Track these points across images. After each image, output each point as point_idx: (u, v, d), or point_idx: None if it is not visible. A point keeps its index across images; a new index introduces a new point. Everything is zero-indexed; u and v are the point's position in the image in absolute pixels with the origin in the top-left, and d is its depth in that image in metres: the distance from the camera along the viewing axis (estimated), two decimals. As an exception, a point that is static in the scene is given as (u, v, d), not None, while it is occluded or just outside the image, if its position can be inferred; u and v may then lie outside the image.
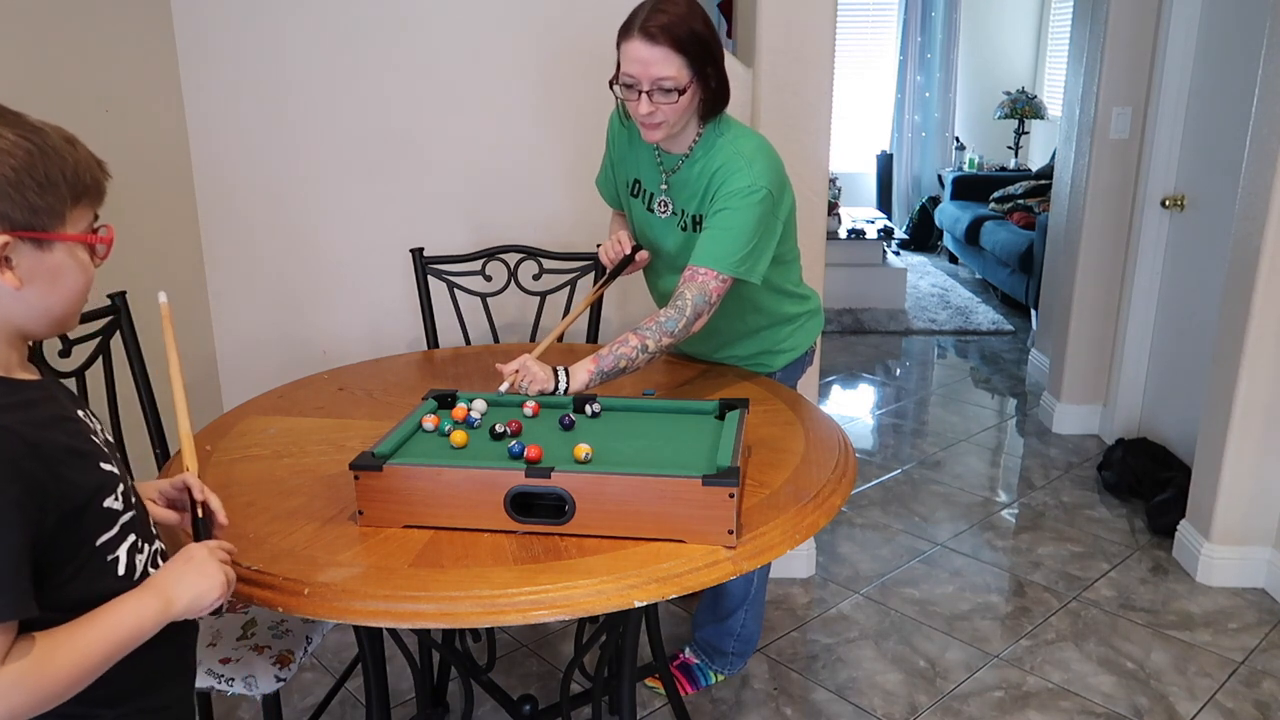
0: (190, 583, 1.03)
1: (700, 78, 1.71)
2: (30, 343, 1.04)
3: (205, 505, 1.16)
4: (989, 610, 2.62)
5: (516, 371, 1.66)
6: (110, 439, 1.09)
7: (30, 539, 0.89)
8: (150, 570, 1.06)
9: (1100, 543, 2.98)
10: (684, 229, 1.87)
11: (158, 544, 1.11)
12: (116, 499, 1.01)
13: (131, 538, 1.03)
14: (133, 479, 1.11)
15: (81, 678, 0.94)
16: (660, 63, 1.66)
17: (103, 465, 1.01)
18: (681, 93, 1.69)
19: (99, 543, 0.99)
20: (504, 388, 1.67)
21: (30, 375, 1.00)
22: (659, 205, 1.90)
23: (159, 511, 1.20)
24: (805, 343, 2.09)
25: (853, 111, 7.38)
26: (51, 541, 0.92)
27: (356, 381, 2.02)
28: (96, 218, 1.00)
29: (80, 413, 1.05)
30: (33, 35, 2.02)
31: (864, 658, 2.42)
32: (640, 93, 1.69)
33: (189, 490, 1.17)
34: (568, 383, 1.67)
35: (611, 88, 1.76)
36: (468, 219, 2.73)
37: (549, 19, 2.60)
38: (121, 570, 1.01)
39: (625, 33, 1.70)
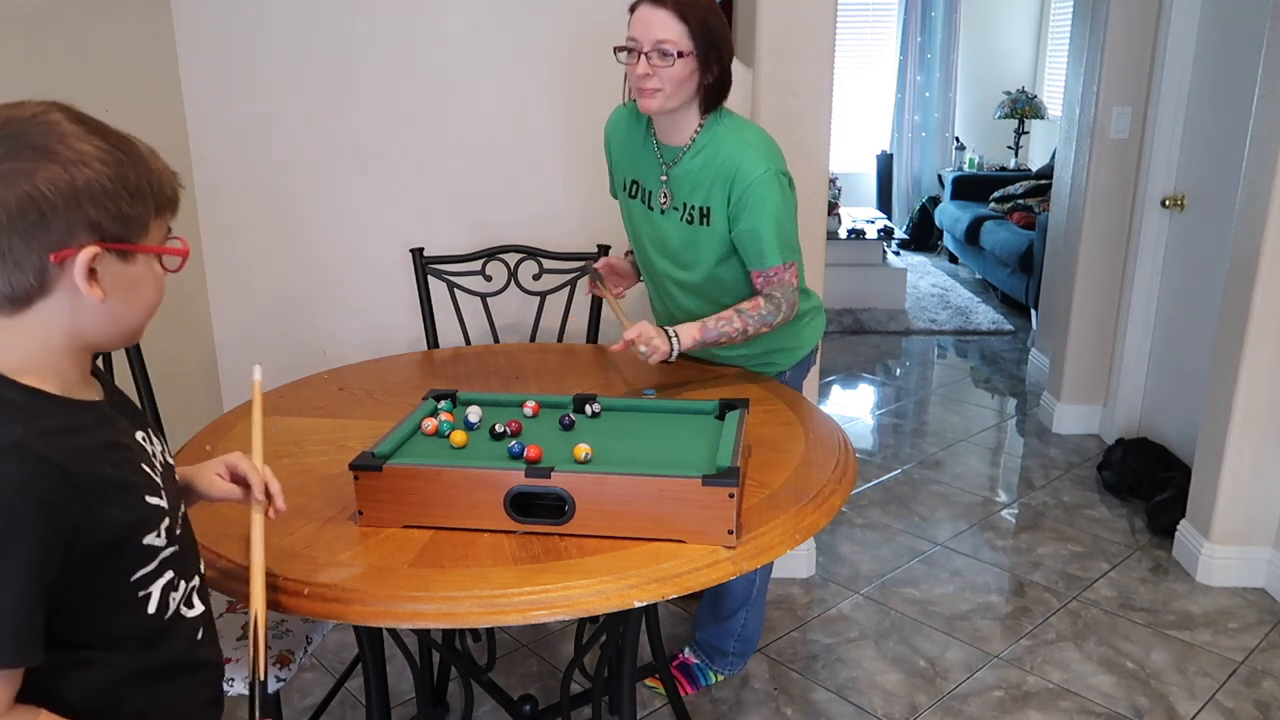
0: None
1: (701, 58, 1.75)
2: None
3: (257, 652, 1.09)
4: (989, 610, 2.62)
5: (638, 336, 1.76)
6: (170, 460, 1.06)
7: (50, 580, 0.85)
8: (184, 609, 1.01)
9: (1100, 543, 2.98)
10: (689, 221, 1.87)
11: (196, 580, 1.05)
12: (159, 535, 0.96)
13: (169, 574, 0.98)
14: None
15: None
16: (661, 25, 1.71)
17: (149, 499, 0.96)
18: (680, 57, 1.72)
19: (133, 579, 0.94)
20: (619, 347, 1.80)
21: (90, 394, 0.96)
22: (660, 198, 1.90)
23: (222, 486, 1.17)
24: (811, 340, 2.11)
25: (853, 111, 7.37)
26: (78, 576, 0.88)
27: (356, 381, 2.02)
28: (169, 230, 0.97)
29: (140, 434, 1.00)
30: (33, 35, 2.01)
31: (864, 658, 2.42)
32: (640, 54, 1.73)
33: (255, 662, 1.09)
34: (678, 345, 1.79)
35: (616, 54, 1.79)
36: (468, 219, 2.73)
37: (549, 19, 2.60)
38: (152, 608, 0.96)
39: (633, 5, 1.77)
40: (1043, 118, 6.80)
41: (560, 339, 2.52)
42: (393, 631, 1.81)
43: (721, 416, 1.59)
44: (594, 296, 2.40)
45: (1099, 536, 3.02)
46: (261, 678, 1.08)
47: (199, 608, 1.04)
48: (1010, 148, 6.98)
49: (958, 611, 2.61)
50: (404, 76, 2.62)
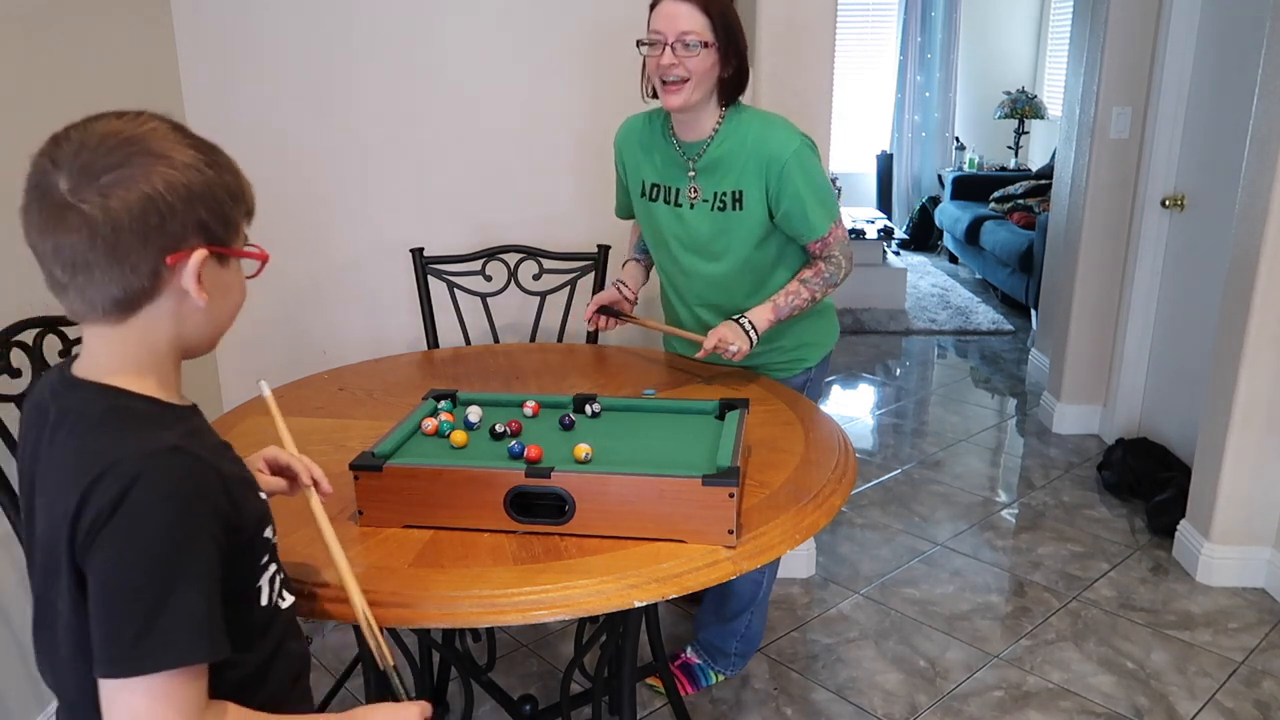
0: None
1: (722, 51, 1.79)
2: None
3: (380, 648, 1.09)
4: (989, 610, 2.62)
5: (718, 343, 1.82)
6: None
7: (220, 576, 0.87)
8: (280, 600, 1.02)
9: (1100, 543, 2.98)
10: (720, 209, 1.89)
11: (283, 571, 1.06)
12: (271, 529, 0.99)
13: (274, 566, 1.00)
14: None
15: None
16: (686, 17, 1.75)
17: (260, 493, 0.98)
18: (704, 48, 1.76)
19: (254, 572, 0.96)
20: (702, 355, 1.86)
21: (184, 400, 0.97)
22: (689, 193, 1.91)
23: (268, 481, 1.17)
24: (833, 336, 2.15)
25: (853, 111, 7.38)
26: (227, 573, 0.89)
27: (356, 381, 2.02)
28: (246, 237, 0.98)
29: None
30: (33, 35, 2.01)
31: (864, 658, 2.42)
32: (665, 46, 1.76)
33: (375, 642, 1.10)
34: (756, 334, 1.85)
35: (639, 47, 1.83)
36: (468, 219, 2.73)
37: (549, 19, 2.60)
38: (264, 600, 0.98)
39: (655, 2, 1.81)
40: (1043, 118, 6.80)
41: (560, 339, 2.52)
42: (393, 631, 1.81)
43: (721, 416, 1.59)
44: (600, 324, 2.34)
45: (1099, 536, 3.02)
46: (391, 663, 1.07)
47: (289, 599, 1.06)
48: (1010, 148, 6.99)
49: (958, 611, 2.61)
50: (404, 77, 2.63)
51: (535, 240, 2.57)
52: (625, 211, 2.13)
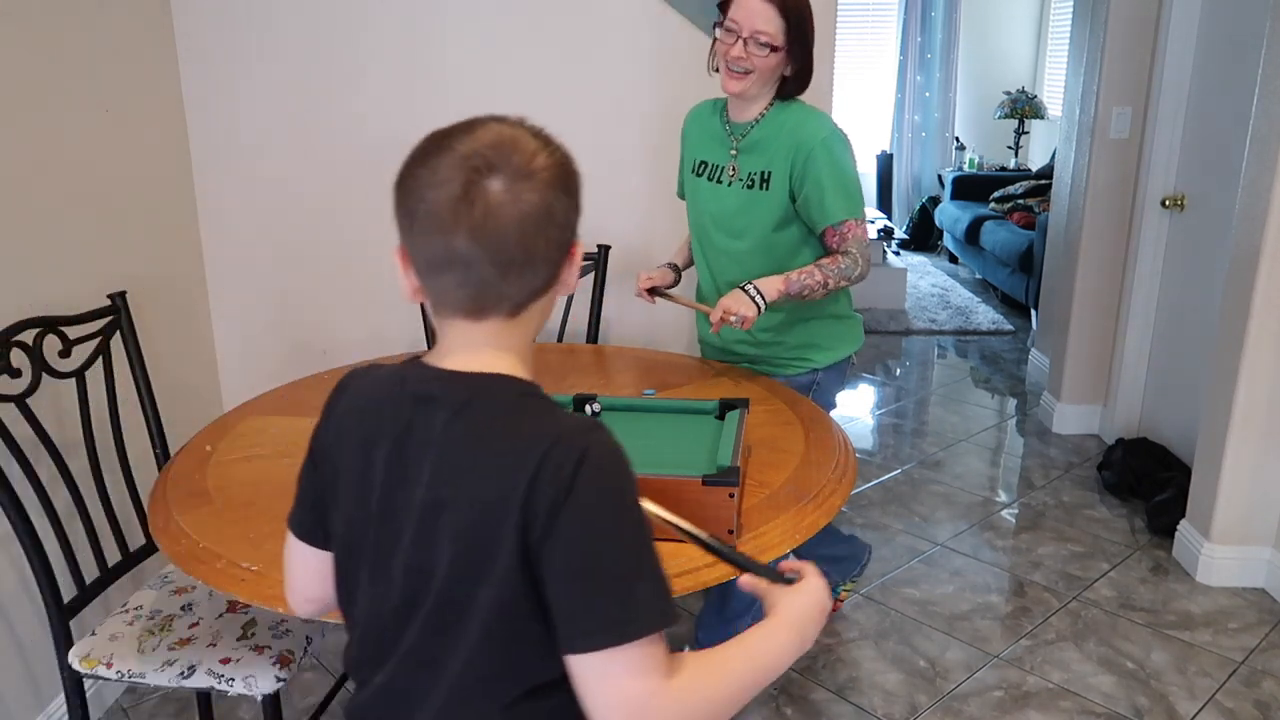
0: (817, 625, 1.00)
1: (789, 54, 1.87)
2: None
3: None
4: (989, 610, 2.62)
5: (725, 312, 1.83)
6: None
7: None
8: None
9: (1100, 543, 2.98)
10: (750, 187, 1.96)
11: None
12: None
13: None
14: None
15: (728, 706, 0.91)
16: (765, 18, 1.82)
17: None
18: (774, 51, 1.84)
19: None
20: (715, 328, 1.88)
21: None
22: (728, 171, 2.00)
23: None
24: (848, 347, 2.17)
25: (853, 111, 7.37)
26: None
27: (356, 381, 2.02)
28: None
29: None
30: (33, 36, 2.01)
31: (864, 658, 2.42)
32: (739, 38, 1.83)
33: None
34: (763, 301, 1.86)
35: (714, 28, 1.90)
36: (468, 219, 2.72)
37: (549, 19, 2.60)
38: None
39: None
40: (1043, 118, 6.80)
41: (560, 339, 2.52)
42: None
43: (721, 416, 1.59)
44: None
45: (1099, 536, 3.02)
46: (710, 534, 1.08)
47: None
48: (1010, 148, 6.98)
49: (958, 611, 2.61)
50: (404, 77, 2.62)
51: (535, 240, 2.57)
52: (683, 191, 2.20)
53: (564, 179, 0.89)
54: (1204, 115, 3.13)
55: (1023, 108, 6.76)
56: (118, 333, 1.94)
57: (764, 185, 1.93)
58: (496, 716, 0.90)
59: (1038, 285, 4.74)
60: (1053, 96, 6.78)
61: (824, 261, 1.93)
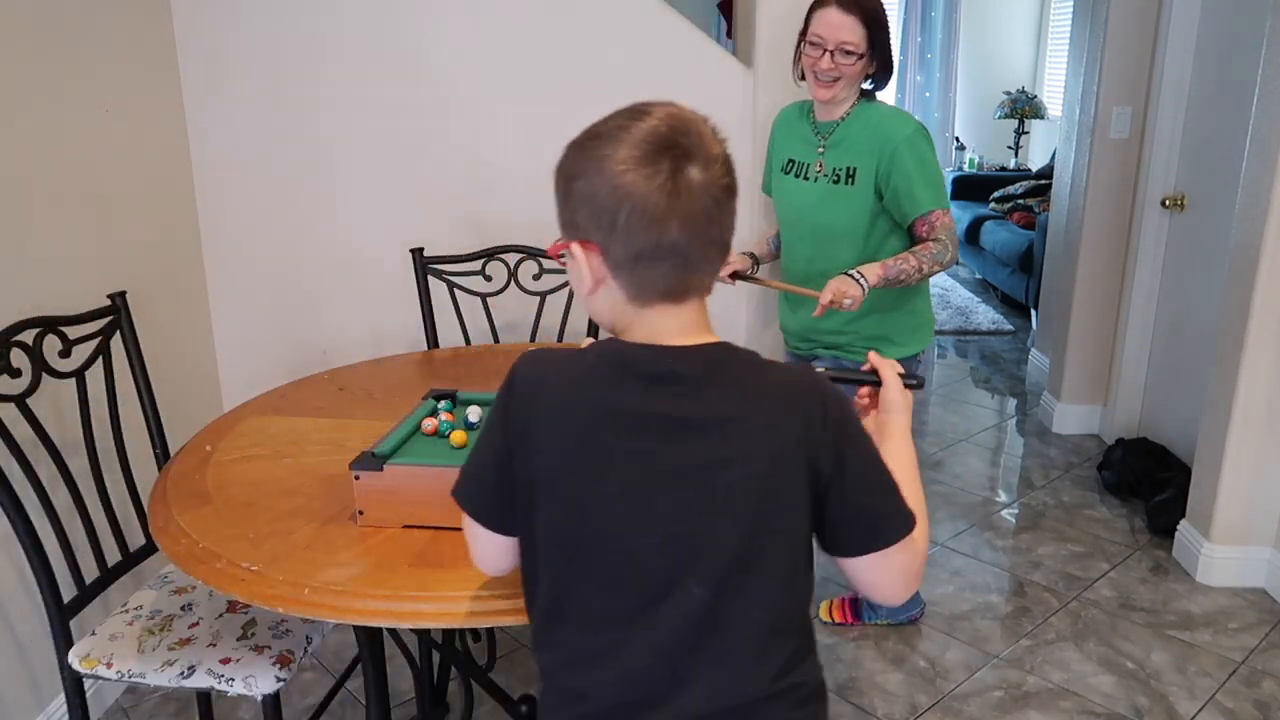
0: (908, 403, 1.15)
1: (871, 53, 2.02)
2: None
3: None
4: (989, 610, 2.62)
5: (834, 295, 1.89)
6: None
7: None
8: None
9: (1100, 543, 2.98)
10: (835, 181, 2.09)
11: None
12: None
13: None
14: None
15: (921, 508, 1.09)
16: (849, 30, 1.98)
17: None
18: (860, 58, 2.00)
19: None
20: (820, 310, 1.94)
21: None
22: (814, 168, 2.13)
23: None
24: (918, 344, 2.23)
25: (853, 111, 7.37)
26: None
27: (356, 381, 2.02)
28: None
29: None
30: (33, 35, 2.01)
31: (864, 658, 2.42)
32: (826, 51, 1.99)
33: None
34: (866, 283, 1.93)
35: (800, 42, 2.06)
36: (468, 219, 2.73)
37: (549, 19, 2.60)
38: None
39: (821, 2, 2.03)
40: (1043, 118, 6.80)
41: (560, 339, 2.52)
42: (393, 631, 1.81)
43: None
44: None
45: (1099, 536, 3.02)
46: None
47: None
48: (1010, 148, 6.98)
49: (958, 611, 2.61)
50: (404, 76, 2.62)
51: (535, 240, 2.57)
52: (768, 187, 2.32)
53: (730, 159, 0.95)
54: (1204, 115, 3.13)
55: (1023, 108, 6.76)
56: (118, 333, 1.94)
57: (850, 180, 2.06)
58: (779, 661, 0.98)
59: (1038, 285, 4.74)
60: (1053, 96, 6.78)
61: (916, 248, 2.02)
